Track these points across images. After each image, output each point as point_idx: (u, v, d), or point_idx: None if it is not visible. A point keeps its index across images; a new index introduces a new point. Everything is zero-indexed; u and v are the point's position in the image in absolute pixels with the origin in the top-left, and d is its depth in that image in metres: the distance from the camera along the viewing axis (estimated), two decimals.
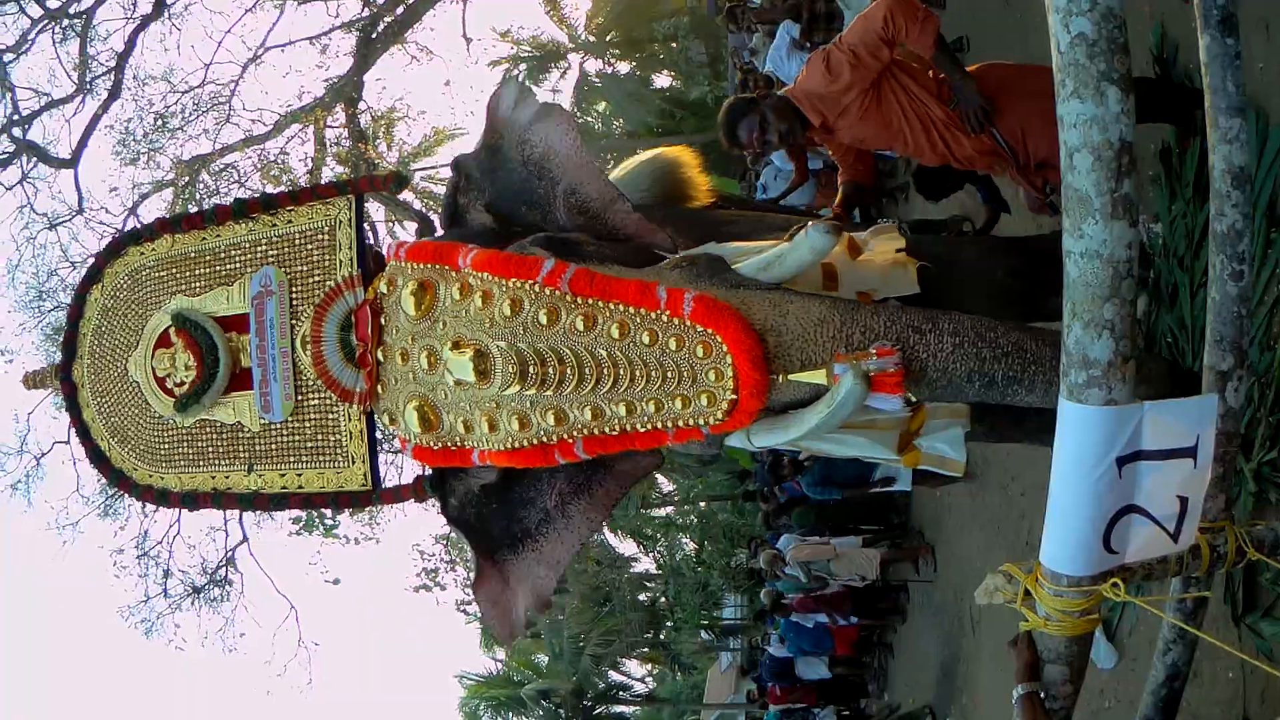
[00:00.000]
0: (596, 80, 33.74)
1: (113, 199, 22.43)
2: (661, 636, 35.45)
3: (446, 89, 39.48)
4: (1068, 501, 3.23)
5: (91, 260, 6.60)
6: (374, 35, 23.54)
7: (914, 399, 5.17)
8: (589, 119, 34.93)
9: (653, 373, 4.97)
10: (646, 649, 35.79)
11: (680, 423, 5.03)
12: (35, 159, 22.00)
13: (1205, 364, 3.88)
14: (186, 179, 22.25)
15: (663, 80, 34.45)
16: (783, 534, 16.71)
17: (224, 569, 22.03)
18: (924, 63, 5.69)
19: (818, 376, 4.81)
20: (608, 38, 33.14)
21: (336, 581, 24.50)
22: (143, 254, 6.33)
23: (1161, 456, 3.21)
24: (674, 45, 31.70)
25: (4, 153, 22.13)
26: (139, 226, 6.51)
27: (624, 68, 34.29)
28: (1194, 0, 3.77)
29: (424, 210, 26.18)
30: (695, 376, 4.92)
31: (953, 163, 5.81)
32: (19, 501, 22.11)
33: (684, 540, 36.35)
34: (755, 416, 4.95)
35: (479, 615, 6.16)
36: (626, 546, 35.05)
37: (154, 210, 22.71)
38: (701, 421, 4.98)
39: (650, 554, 36.40)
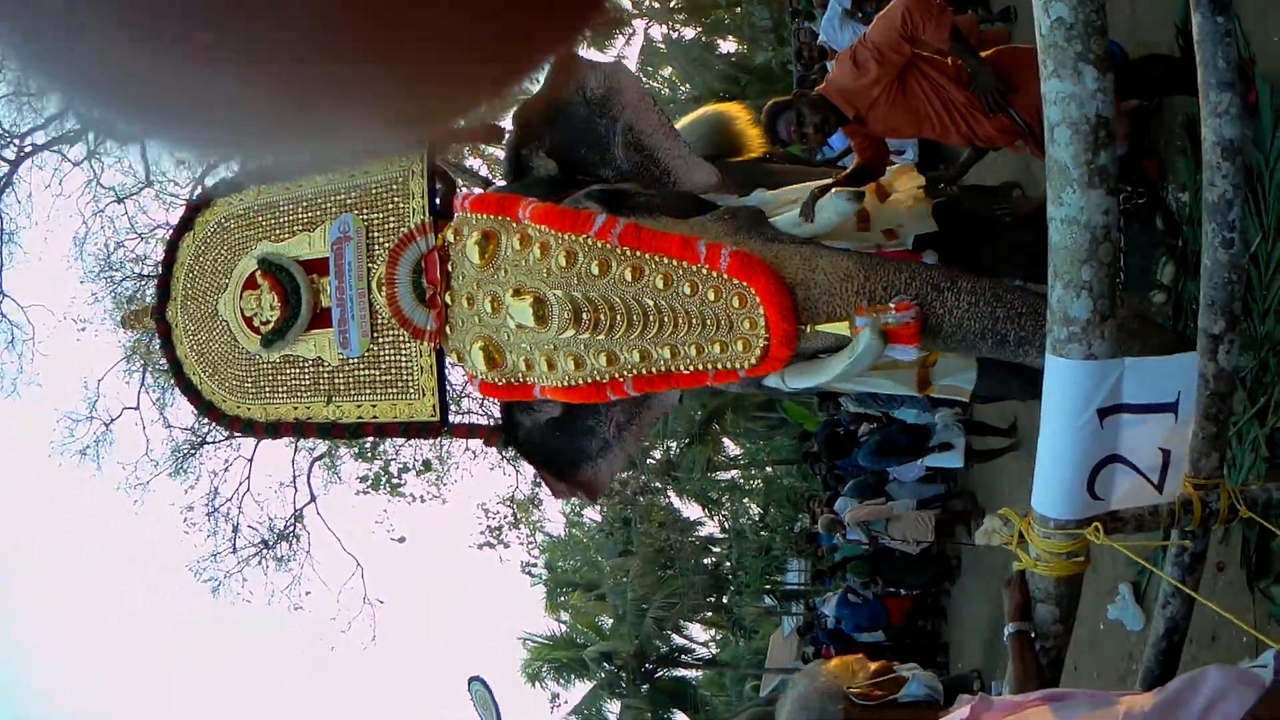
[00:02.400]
0: (662, 45, 33.70)
1: (181, 171, 22.68)
2: (724, 600, 35.50)
3: None
4: (1053, 449, 3.47)
5: (183, 210, 7.16)
6: None
7: (929, 350, 5.51)
8: (655, 84, 34.97)
9: (694, 320, 5.48)
10: (709, 613, 35.86)
11: (719, 365, 5.56)
12: (103, 134, 22.24)
13: (1199, 327, 4.07)
14: None
15: (728, 45, 34.37)
16: (840, 496, 16.90)
17: (292, 525, 22.40)
18: (943, 53, 5.94)
19: (841, 328, 5.24)
20: (672, 3, 33.16)
21: (402, 539, 24.78)
22: (230, 204, 6.84)
23: (1142, 410, 3.42)
24: (738, 10, 31.64)
25: (71, 130, 22.45)
26: (225, 179, 6.92)
27: (689, 33, 34.22)
28: None
29: (488, 178, 26.43)
30: (732, 324, 5.42)
31: (976, 142, 6.09)
32: (88, 466, 22.62)
33: (748, 504, 36.42)
34: (786, 362, 5.45)
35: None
36: (691, 510, 35.11)
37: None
38: (738, 365, 5.51)
39: (714, 518, 36.45)
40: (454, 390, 6.87)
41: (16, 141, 22.26)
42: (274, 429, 6.87)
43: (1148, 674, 4.62)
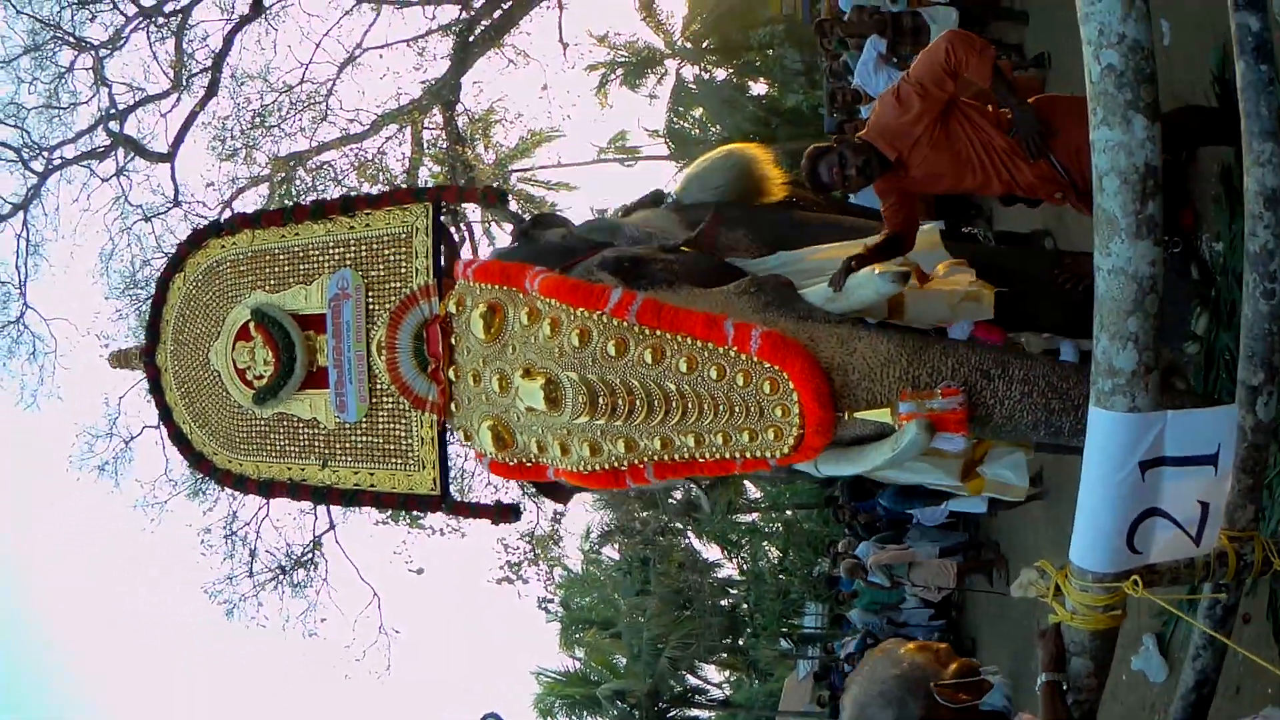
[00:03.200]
0: (693, 86, 33.77)
1: (209, 193, 22.72)
2: (740, 642, 35.40)
3: (544, 93, 39.69)
4: (1094, 502, 3.43)
5: (174, 249, 6.90)
6: (471, 39, 23.61)
7: (977, 438, 5.27)
8: (685, 124, 35.06)
9: (720, 406, 5.11)
10: (725, 654, 35.75)
11: (747, 454, 5.19)
12: (132, 152, 22.36)
13: (1238, 378, 4.03)
14: (282, 175, 22.56)
15: (759, 87, 34.44)
16: (861, 541, 16.85)
17: (310, 553, 22.37)
18: (984, 98, 5.89)
19: (883, 415, 4.92)
20: (704, 44, 33.17)
21: (420, 571, 24.65)
22: (224, 247, 6.57)
23: (1183, 463, 3.39)
24: (769, 53, 31.70)
25: (101, 146, 22.55)
26: (220, 220, 6.73)
27: (720, 74, 34.28)
28: (1231, 28, 3.94)
29: (519, 212, 26.35)
30: (762, 411, 5.06)
31: (1017, 191, 5.98)
32: (106, 483, 22.61)
33: (768, 547, 36.31)
34: (820, 452, 5.10)
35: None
36: (711, 551, 35.05)
37: (250, 205, 22.99)
38: (768, 454, 5.14)
39: (733, 560, 36.37)
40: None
41: (46, 154, 22.33)
42: (267, 488, 6.66)
43: None
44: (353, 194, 6.91)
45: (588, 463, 5.48)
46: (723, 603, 34.66)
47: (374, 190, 22.15)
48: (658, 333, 5.21)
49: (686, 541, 33.33)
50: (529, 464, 5.78)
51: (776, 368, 5.00)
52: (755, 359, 5.03)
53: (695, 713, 34.71)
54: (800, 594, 33.08)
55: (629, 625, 32.47)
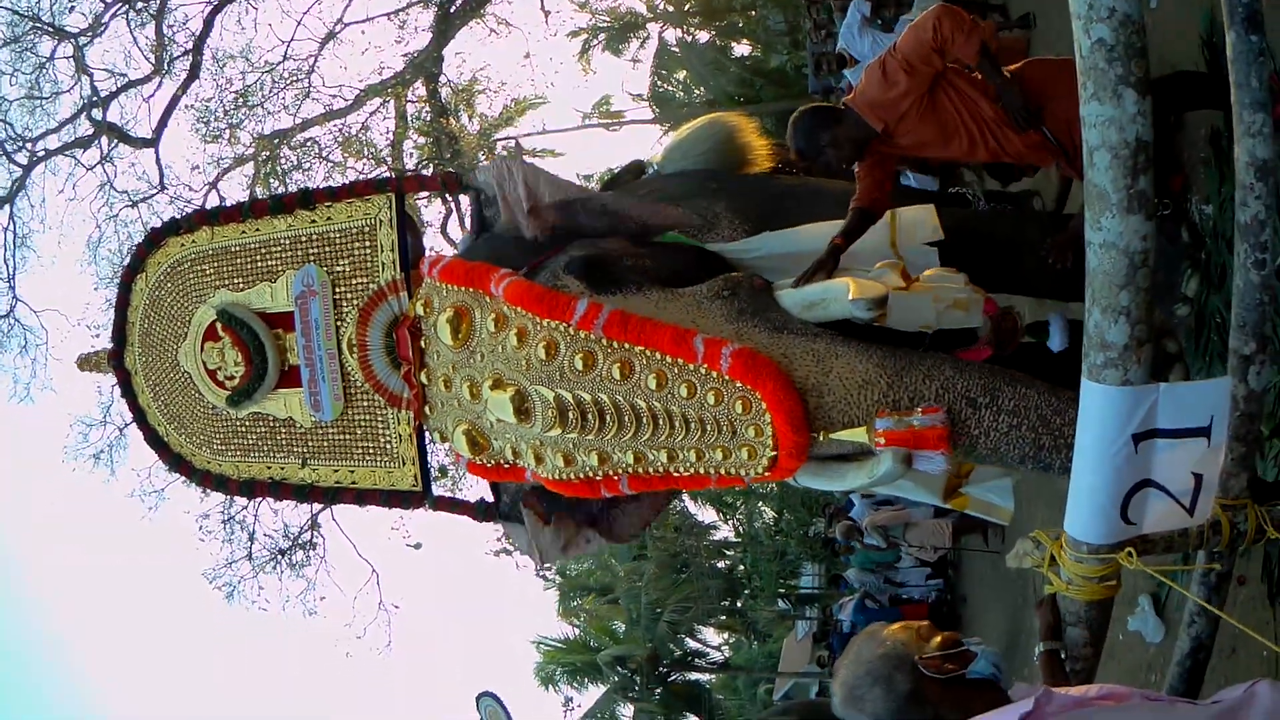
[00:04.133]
0: (676, 49, 33.72)
1: (195, 176, 22.54)
2: (738, 604, 35.54)
3: (526, 61, 39.43)
4: (1088, 475, 3.45)
5: (133, 250, 6.72)
6: (452, 10, 23.47)
7: (959, 461, 5.15)
8: (669, 87, 34.99)
9: (692, 424, 4.96)
10: (723, 616, 35.90)
11: (721, 471, 5.05)
12: (116, 139, 22.21)
13: (1230, 348, 4.05)
14: (267, 154, 22.44)
15: (742, 49, 34.38)
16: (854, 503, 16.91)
17: (308, 532, 22.35)
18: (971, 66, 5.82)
19: (859, 435, 4.77)
20: (686, 7, 33.12)
21: (418, 546, 24.61)
22: (183, 245, 6.41)
23: (1176, 435, 3.40)
24: (752, 14, 31.63)
25: (85, 135, 22.42)
26: (178, 218, 6.53)
27: (703, 36, 34.23)
28: None
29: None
30: (735, 430, 4.90)
31: (1004, 159, 5.89)
32: (102, 471, 22.54)
33: (763, 508, 36.39)
34: (795, 472, 4.97)
35: (510, 536, 6.28)
36: (706, 514, 35.09)
37: (236, 184, 22.89)
38: (742, 472, 5.01)
39: (729, 522, 36.43)
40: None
41: (29, 146, 22.22)
42: (249, 488, 6.53)
43: (1173, 692, 4.60)
44: (312, 187, 6.55)
45: (562, 472, 5.34)
46: (720, 565, 34.81)
47: (365, 169, 22.12)
48: (625, 346, 5.03)
49: (681, 504, 33.31)
50: (506, 465, 5.63)
51: (749, 387, 4.82)
52: (726, 377, 4.86)
53: (696, 676, 34.85)
54: (797, 554, 33.16)
55: (627, 590, 32.60)
